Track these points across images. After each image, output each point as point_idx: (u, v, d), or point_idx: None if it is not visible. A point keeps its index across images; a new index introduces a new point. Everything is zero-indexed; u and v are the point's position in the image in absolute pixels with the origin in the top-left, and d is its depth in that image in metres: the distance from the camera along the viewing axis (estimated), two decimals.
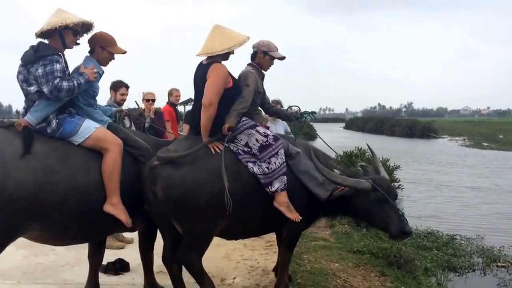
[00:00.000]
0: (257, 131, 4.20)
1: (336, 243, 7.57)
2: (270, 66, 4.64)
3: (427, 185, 17.16)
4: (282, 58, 4.62)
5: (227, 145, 4.11)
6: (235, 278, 5.20)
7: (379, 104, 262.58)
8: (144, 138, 4.52)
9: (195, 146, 4.02)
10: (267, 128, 4.50)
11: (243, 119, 4.27)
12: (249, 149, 4.14)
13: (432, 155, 32.14)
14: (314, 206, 4.39)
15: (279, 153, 4.13)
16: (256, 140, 4.15)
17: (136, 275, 5.05)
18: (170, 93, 8.55)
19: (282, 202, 4.13)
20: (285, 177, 4.13)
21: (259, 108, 4.75)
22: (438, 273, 7.80)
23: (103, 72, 4.30)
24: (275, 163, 4.10)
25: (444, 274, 7.78)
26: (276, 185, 4.10)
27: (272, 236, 6.93)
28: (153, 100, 7.39)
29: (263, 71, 4.63)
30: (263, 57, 4.53)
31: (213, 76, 4.07)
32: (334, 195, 4.26)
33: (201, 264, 4.23)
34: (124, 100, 6.44)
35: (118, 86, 6.44)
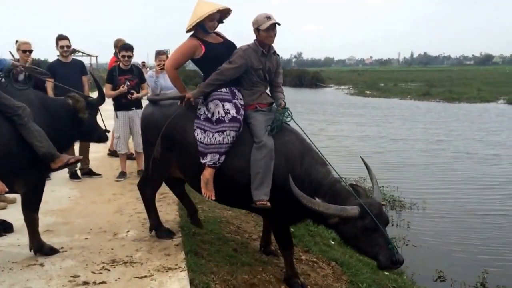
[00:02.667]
0: (223, 105, 4.22)
1: None
2: (269, 38, 4.24)
3: (318, 136, 17.69)
4: (271, 26, 4.19)
5: (199, 109, 4.38)
6: (128, 231, 5.13)
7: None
8: (28, 94, 4.20)
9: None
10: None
11: (223, 90, 4.28)
12: (211, 116, 4.25)
13: (323, 104, 33.73)
14: (294, 205, 3.92)
15: (225, 133, 4.13)
16: (218, 112, 4.21)
17: (21, 236, 4.78)
18: (115, 44, 8.39)
19: (204, 176, 4.22)
20: (218, 156, 4.14)
21: (260, 86, 4.40)
22: None
23: None
24: (215, 138, 4.15)
25: None
26: (207, 158, 4.17)
27: (165, 188, 6.90)
28: (30, 51, 6.81)
29: (266, 45, 4.31)
30: (258, 34, 4.26)
31: (176, 48, 4.45)
32: (257, 205, 4.02)
33: (153, 198, 5.00)
34: None
35: None
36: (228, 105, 4.21)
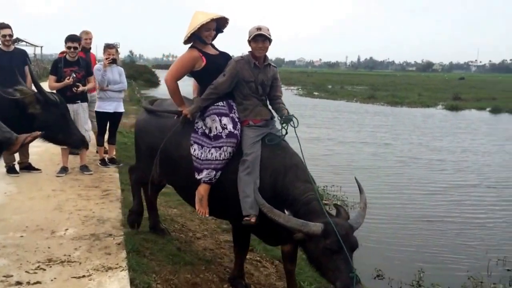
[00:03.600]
0: (220, 120, 4.12)
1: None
2: (260, 49, 4.11)
3: None
4: (256, 36, 4.07)
5: (196, 122, 4.29)
6: (67, 229, 4.95)
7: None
8: None
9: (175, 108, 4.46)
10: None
11: (219, 103, 4.19)
12: (209, 132, 4.16)
13: None
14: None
15: (222, 148, 4.03)
16: (216, 127, 4.11)
17: None
18: (81, 36, 8.12)
19: (199, 193, 4.11)
20: (214, 173, 4.04)
21: (251, 99, 4.22)
22: None
23: None
24: (212, 153, 4.05)
25: None
26: (203, 174, 4.07)
27: (109, 185, 6.76)
28: None
29: (259, 58, 4.17)
30: (250, 45, 4.16)
31: (176, 59, 4.45)
32: (244, 221, 3.86)
33: (137, 186, 5.16)
34: None
35: None
36: (225, 120, 4.12)
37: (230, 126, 4.10)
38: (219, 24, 4.33)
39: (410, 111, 31.16)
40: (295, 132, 4.16)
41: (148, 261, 4.39)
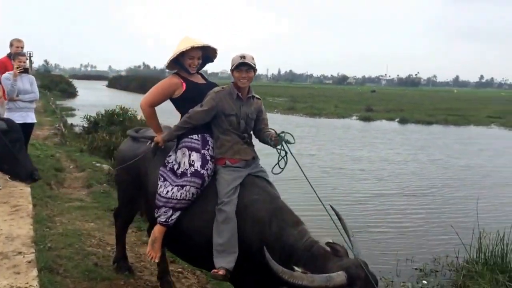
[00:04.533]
0: (189, 154, 3.79)
1: (93, 202, 7.41)
2: (241, 79, 3.75)
3: None
4: (240, 64, 3.73)
5: (169, 156, 3.98)
6: None
7: (143, 63, 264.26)
8: None
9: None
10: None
11: (193, 136, 3.86)
12: (177, 167, 3.83)
13: None
14: (265, 273, 3.32)
15: (184, 188, 3.66)
16: (184, 163, 3.79)
17: None
18: (11, 44, 7.90)
19: (153, 234, 3.81)
20: (171, 212, 3.69)
21: (230, 135, 3.84)
22: None
23: None
24: (173, 192, 3.70)
25: None
26: (159, 213, 3.75)
27: (19, 201, 6.37)
28: None
29: (243, 89, 3.84)
30: (233, 74, 3.80)
31: (156, 84, 4.15)
32: (213, 273, 3.52)
33: (123, 229, 4.91)
34: None
35: None
36: (194, 156, 3.78)
37: (197, 164, 3.75)
38: (209, 53, 4.12)
39: (329, 122, 32.35)
40: (290, 151, 3.94)
41: (62, 279, 4.22)
